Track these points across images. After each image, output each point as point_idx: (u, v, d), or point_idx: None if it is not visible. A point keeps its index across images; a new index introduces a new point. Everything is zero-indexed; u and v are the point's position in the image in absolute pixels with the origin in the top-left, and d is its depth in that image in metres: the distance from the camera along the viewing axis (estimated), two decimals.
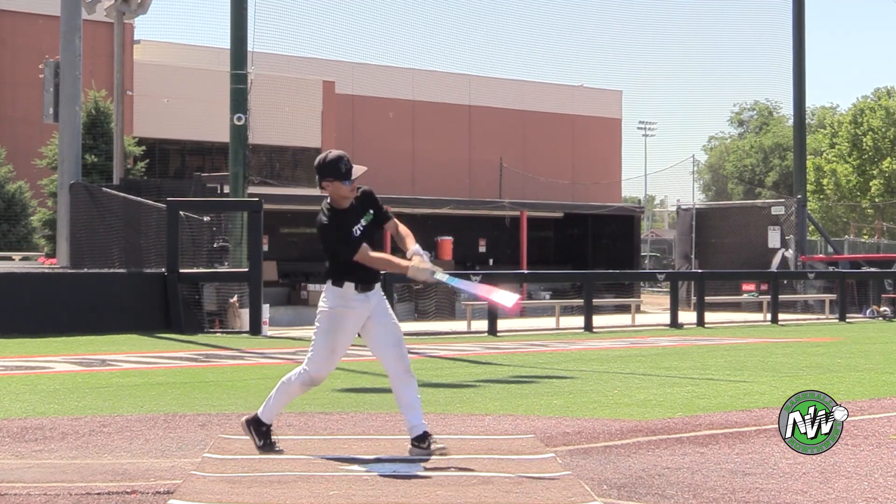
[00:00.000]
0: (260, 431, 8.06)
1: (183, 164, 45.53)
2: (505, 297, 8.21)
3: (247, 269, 22.96)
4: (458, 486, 7.00)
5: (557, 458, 7.97)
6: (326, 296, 8.01)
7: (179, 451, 8.36)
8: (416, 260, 7.94)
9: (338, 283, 7.95)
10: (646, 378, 14.16)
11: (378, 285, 8.06)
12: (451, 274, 8.35)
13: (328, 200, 8.03)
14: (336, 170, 7.93)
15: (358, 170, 8.00)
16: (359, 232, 7.95)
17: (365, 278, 7.97)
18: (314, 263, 33.37)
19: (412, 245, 8.04)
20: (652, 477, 7.44)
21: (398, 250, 8.24)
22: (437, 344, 20.82)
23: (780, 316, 28.96)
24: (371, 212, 8.04)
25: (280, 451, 8.00)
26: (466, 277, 26.87)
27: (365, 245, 7.91)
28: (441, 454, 7.85)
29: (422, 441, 7.95)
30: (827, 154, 70.43)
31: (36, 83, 28.73)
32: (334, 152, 8.07)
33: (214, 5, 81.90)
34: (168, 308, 22.56)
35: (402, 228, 8.16)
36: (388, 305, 8.14)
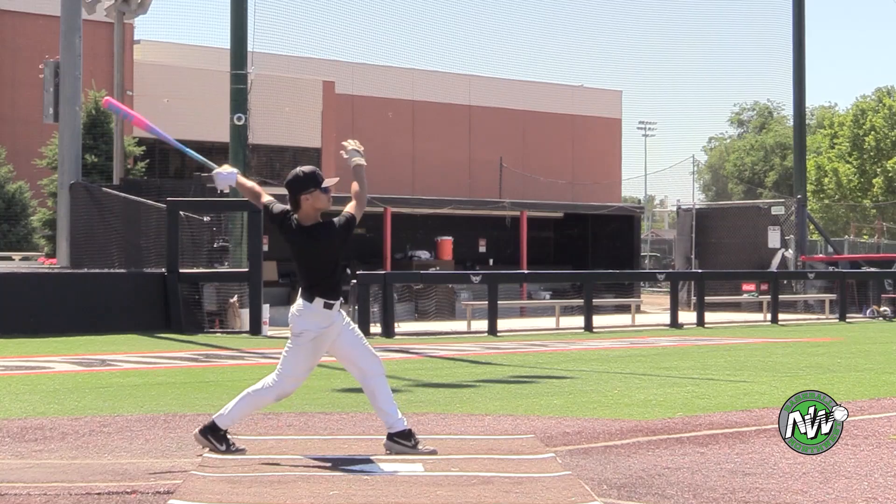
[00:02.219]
0: (218, 436, 8.00)
1: (183, 164, 45.52)
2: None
3: (247, 269, 22.96)
4: (458, 485, 7.00)
5: (557, 458, 7.97)
6: (307, 315, 7.93)
7: (179, 451, 8.35)
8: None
9: (329, 301, 7.93)
10: (646, 378, 14.16)
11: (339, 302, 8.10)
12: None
13: (296, 218, 7.99)
14: (316, 180, 7.97)
15: (329, 181, 8.03)
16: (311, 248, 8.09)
17: (338, 294, 8.01)
18: None
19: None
20: (652, 477, 7.44)
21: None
22: (437, 344, 20.82)
23: (781, 316, 28.95)
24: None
25: (243, 451, 7.96)
26: (466, 278, 26.89)
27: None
28: (430, 454, 7.90)
29: (407, 438, 8.04)
30: (827, 154, 70.43)
31: (36, 83, 28.73)
32: (305, 167, 8.11)
33: (214, 5, 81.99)
34: (168, 308, 22.56)
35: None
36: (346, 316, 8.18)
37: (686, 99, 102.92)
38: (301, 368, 8.03)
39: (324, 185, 7.98)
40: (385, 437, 8.14)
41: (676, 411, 10.78)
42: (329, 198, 8.01)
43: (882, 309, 31.50)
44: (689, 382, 13.56)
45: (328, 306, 7.92)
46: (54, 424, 9.68)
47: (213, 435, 8.00)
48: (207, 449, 7.97)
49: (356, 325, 8.21)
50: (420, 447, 8.00)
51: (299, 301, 7.97)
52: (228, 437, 8.02)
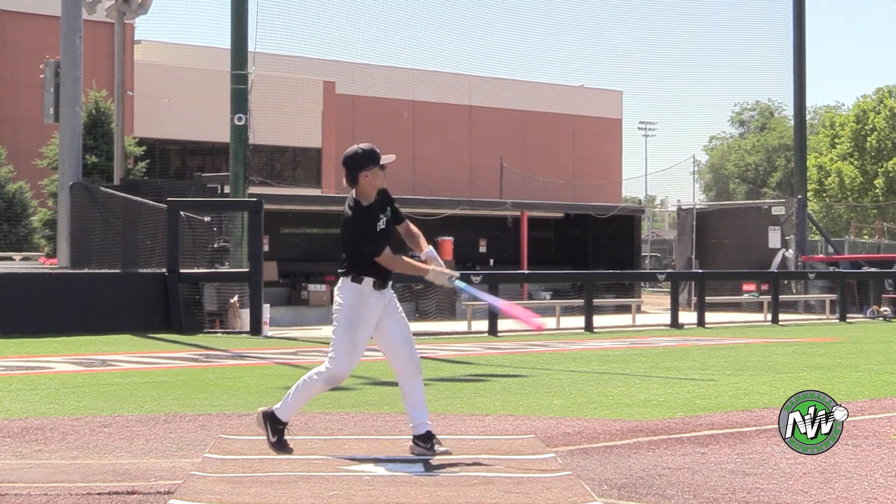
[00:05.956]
0: (276, 428, 7.96)
1: (183, 164, 45.55)
2: (527, 315, 8.20)
3: (247, 270, 22.96)
4: (458, 486, 7.00)
5: (558, 458, 7.97)
6: (343, 292, 7.95)
7: (180, 451, 8.36)
8: (435, 265, 7.97)
9: (357, 279, 7.90)
10: (646, 378, 14.16)
11: (391, 283, 8.06)
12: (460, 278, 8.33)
13: (353, 194, 8.01)
14: (376, 157, 7.98)
15: (387, 158, 8.05)
16: (382, 228, 7.96)
17: (384, 275, 7.95)
18: (315, 264, 33.33)
19: (426, 247, 8.06)
20: (652, 477, 7.44)
21: (401, 248, 8.23)
22: (438, 344, 20.82)
23: (781, 316, 28.95)
24: (389, 210, 8.04)
25: (290, 451, 7.91)
26: (467, 278, 26.87)
27: (387, 248, 7.93)
28: (443, 455, 7.86)
29: (425, 441, 7.95)
30: (830, 155, 70.43)
31: (36, 83, 28.75)
32: (363, 144, 8.12)
33: (215, 5, 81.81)
34: (168, 308, 22.56)
35: (414, 229, 8.17)
36: (398, 303, 8.11)
37: (686, 99, 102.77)
38: (342, 347, 7.87)
39: (382, 161, 7.99)
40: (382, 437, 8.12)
41: (677, 411, 10.78)
42: (385, 174, 8.02)
43: (882, 309, 31.49)
44: (689, 382, 13.56)
45: (357, 280, 7.89)
46: (55, 424, 9.68)
47: (272, 424, 7.94)
48: (262, 433, 7.93)
49: (404, 321, 8.02)
50: (436, 448, 7.96)
51: (339, 279, 8.02)
52: (286, 434, 7.97)
